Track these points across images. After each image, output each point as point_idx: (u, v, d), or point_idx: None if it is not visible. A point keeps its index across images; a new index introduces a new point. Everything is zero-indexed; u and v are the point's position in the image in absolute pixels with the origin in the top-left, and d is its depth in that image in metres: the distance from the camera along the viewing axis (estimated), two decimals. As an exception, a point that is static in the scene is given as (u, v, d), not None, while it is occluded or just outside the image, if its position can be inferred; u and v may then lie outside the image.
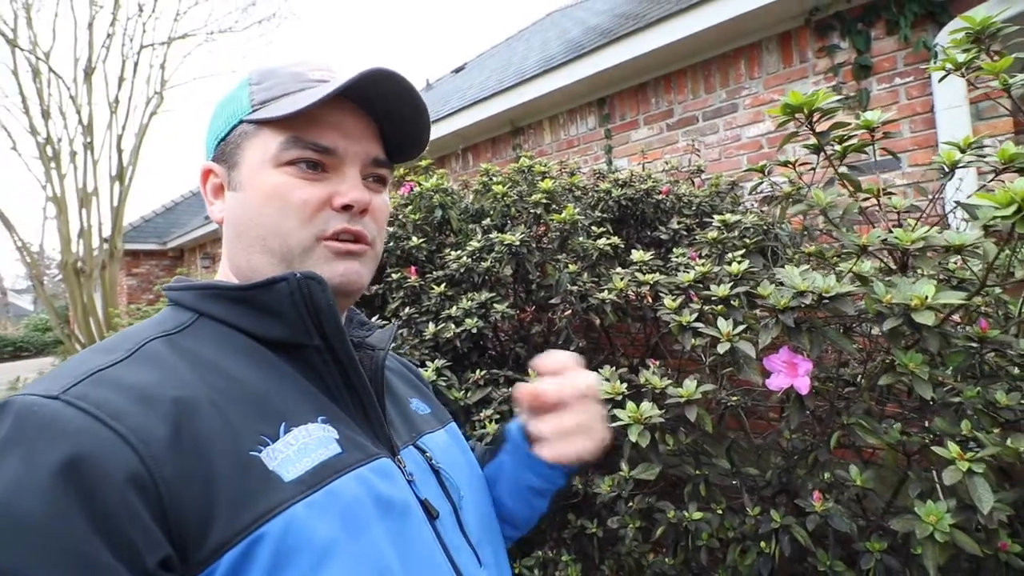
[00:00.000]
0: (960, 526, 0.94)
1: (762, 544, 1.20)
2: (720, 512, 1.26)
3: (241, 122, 0.59)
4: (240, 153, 0.59)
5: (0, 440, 0.40)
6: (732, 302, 1.24)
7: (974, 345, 1.12)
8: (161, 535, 0.40)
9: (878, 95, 2.78)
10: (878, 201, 1.26)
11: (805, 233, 1.97)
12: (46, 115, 9.40)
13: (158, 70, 10.69)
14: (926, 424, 1.15)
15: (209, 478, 0.43)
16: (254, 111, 0.59)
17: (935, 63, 1.31)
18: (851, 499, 1.19)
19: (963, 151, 1.14)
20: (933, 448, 0.95)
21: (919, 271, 1.07)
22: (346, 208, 0.58)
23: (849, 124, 1.18)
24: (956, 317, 1.30)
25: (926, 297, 0.89)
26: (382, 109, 0.61)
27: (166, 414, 0.44)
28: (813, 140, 1.21)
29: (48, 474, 0.38)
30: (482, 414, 1.75)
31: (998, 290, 1.29)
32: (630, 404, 1.12)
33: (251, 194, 0.58)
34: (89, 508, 0.38)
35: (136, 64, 10.25)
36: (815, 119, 1.17)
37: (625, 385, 1.22)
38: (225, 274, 0.64)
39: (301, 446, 0.50)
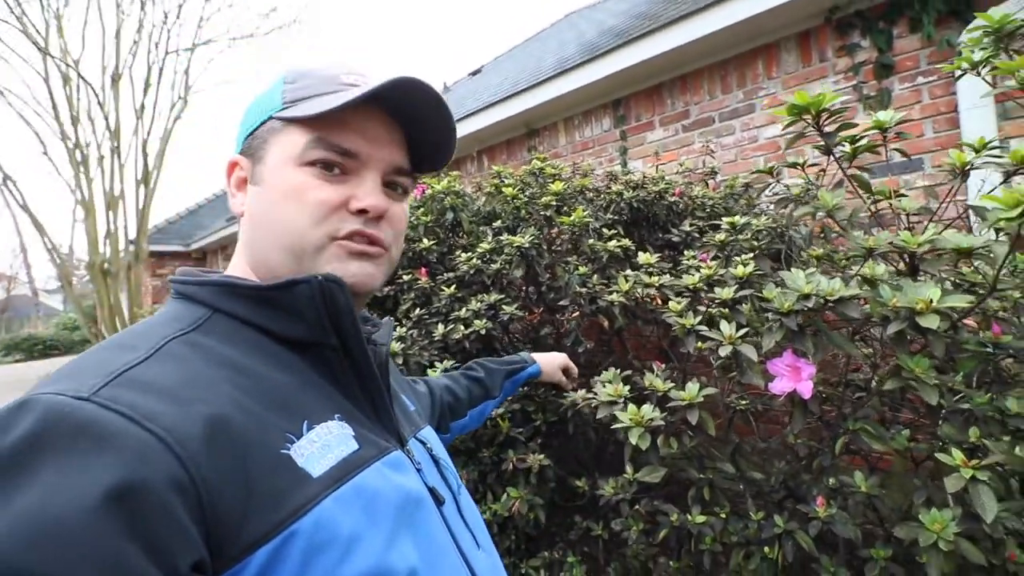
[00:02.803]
0: (967, 535, 0.92)
1: (766, 549, 1.19)
2: (724, 516, 1.25)
3: (270, 118, 0.60)
4: (265, 148, 0.60)
5: (25, 440, 0.38)
6: (739, 305, 1.23)
7: (988, 350, 1.09)
8: (197, 536, 0.40)
9: (900, 94, 2.73)
10: (890, 205, 1.24)
11: (822, 236, 1.94)
12: (75, 121, 9.71)
13: (182, 76, 10.98)
14: (937, 432, 1.13)
15: (245, 476, 0.44)
16: (284, 108, 0.59)
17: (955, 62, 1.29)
18: (858, 505, 1.17)
19: (977, 151, 1.11)
20: (937, 455, 0.93)
21: (928, 275, 1.05)
22: (362, 212, 0.58)
23: (858, 125, 1.16)
24: (971, 322, 1.27)
25: (931, 301, 0.87)
26: (409, 117, 0.62)
27: (198, 413, 0.44)
28: (822, 141, 1.20)
29: (89, 481, 0.37)
30: (492, 413, 1.75)
31: (1017, 294, 1.26)
32: (631, 407, 1.12)
33: (271, 190, 0.59)
34: (129, 514, 0.37)
35: (161, 70, 10.56)
36: (822, 120, 1.15)
37: (628, 388, 1.22)
38: (241, 268, 0.63)
39: (324, 444, 0.51)
